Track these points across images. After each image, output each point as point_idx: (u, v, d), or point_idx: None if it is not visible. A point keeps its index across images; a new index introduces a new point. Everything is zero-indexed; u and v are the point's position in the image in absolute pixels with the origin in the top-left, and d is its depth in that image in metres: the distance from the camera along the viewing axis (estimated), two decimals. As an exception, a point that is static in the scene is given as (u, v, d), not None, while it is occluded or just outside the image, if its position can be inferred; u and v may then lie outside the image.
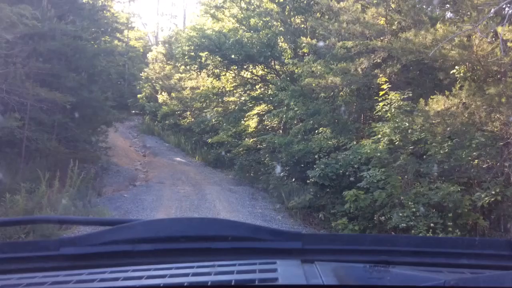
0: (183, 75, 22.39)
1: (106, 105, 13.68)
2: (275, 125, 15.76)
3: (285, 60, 13.49)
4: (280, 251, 1.23)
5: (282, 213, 11.35)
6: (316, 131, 12.09)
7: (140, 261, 1.19)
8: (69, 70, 11.67)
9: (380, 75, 9.24)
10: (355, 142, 10.27)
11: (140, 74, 28.14)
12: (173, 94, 24.40)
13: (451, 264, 1.22)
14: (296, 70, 12.39)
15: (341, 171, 9.73)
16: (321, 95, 11.31)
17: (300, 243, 1.24)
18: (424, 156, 8.23)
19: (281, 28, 14.62)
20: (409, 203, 7.63)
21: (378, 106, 8.97)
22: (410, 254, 1.24)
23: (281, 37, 14.60)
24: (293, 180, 12.15)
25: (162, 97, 25.69)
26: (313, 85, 10.47)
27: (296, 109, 12.09)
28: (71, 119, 12.11)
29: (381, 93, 9.00)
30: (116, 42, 19.12)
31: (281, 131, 14.95)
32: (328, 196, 10.23)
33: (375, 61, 10.18)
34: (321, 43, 11.01)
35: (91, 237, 1.24)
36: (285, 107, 12.94)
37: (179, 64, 18.10)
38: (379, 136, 8.61)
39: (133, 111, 29.37)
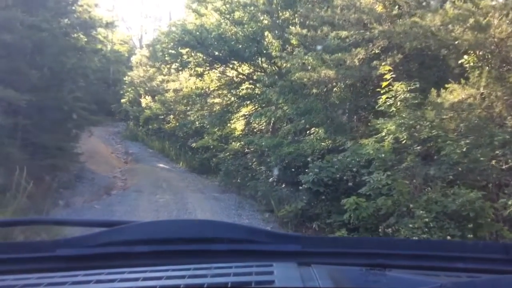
0: (166, 77, 21.47)
1: (77, 107, 12.41)
2: (263, 127, 14.67)
3: (273, 53, 12.30)
4: (277, 253, 1.22)
5: (272, 223, 10.19)
6: (308, 132, 10.96)
7: (137, 263, 1.17)
8: (32, 67, 10.42)
9: (383, 64, 8.10)
10: (351, 143, 9.13)
11: (124, 79, 27.36)
12: (156, 98, 23.57)
13: (448, 267, 1.20)
14: (284, 65, 11.24)
15: (337, 176, 8.56)
16: (313, 91, 10.14)
17: (297, 246, 1.23)
18: (435, 157, 7.08)
19: (268, 22, 13.47)
20: (420, 212, 6.47)
21: (381, 100, 7.80)
22: (407, 258, 1.22)
23: (268, 31, 13.47)
24: (283, 186, 10.98)
25: (145, 100, 25.19)
26: (304, 79, 9.33)
27: (285, 107, 10.93)
28: (37, 122, 10.83)
29: (384, 84, 7.82)
30: (98, 45, 17.94)
31: (269, 133, 13.78)
32: (323, 204, 9.06)
33: (373, 51, 9.10)
34: (312, 33, 9.84)
35: (87, 238, 1.24)
36: (274, 106, 11.78)
37: (159, 62, 16.93)
38: (383, 134, 7.44)
39: (117, 117, 29.26)
